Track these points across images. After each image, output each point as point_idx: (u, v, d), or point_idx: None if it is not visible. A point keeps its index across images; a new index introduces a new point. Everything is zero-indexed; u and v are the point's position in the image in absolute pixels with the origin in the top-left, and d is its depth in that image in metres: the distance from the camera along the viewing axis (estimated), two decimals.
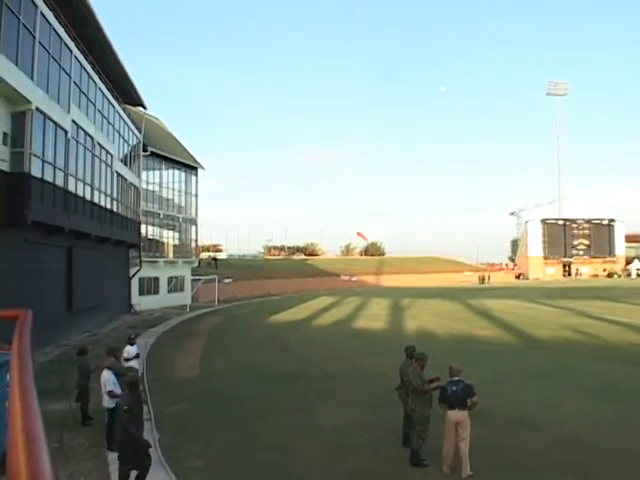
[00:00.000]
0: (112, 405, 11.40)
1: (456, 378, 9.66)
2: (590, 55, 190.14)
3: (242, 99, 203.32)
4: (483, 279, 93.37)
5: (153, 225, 46.79)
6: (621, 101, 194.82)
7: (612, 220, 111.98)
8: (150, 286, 45.79)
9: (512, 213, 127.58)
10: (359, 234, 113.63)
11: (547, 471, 9.59)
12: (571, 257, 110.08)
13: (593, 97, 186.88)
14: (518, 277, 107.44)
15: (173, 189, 49.87)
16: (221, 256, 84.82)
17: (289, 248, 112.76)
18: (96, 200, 30.55)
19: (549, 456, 10.28)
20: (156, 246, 47.31)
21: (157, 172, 47.62)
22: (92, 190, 29.80)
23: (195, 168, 51.94)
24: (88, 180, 29.16)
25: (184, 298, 49.04)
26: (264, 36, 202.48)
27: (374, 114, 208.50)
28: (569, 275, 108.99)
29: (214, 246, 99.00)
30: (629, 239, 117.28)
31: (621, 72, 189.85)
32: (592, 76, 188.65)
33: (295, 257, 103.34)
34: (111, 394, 11.34)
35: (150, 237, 46.35)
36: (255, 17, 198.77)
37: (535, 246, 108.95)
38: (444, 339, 26.70)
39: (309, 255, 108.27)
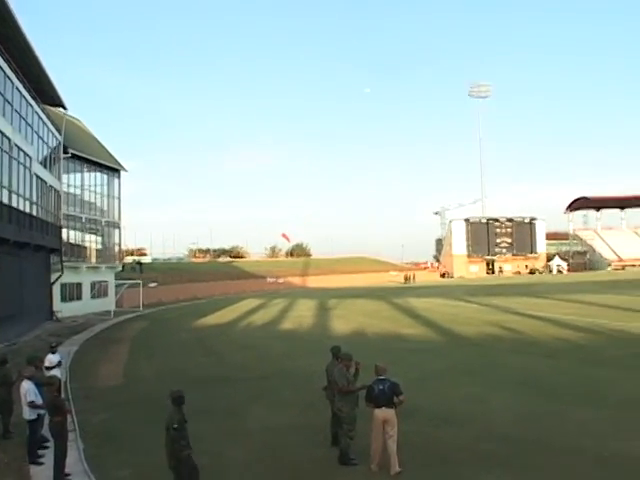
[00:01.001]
0: (33, 417, 11.02)
1: (382, 377, 9.74)
2: (512, 58, 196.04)
3: (168, 101, 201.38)
4: (408, 278, 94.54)
5: (75, 229, 45.67)
6: (539, 105, 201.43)
7: (533, 218, 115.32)
8: (72, 292, 44.63)
9: (436, 213, 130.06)
10: (283, 235, 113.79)
11: (474, 464, 9.77)
12: (494, 255, 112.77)
13: (514, 100, 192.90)
14: (443, 275, 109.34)
15: (95, 192, 48.80)
16: (145, 260, 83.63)
17: (214, 251, 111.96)
18: (14, 204, 29.60)
19: (476, 450, 10.49)
20: (78, 251, 46.20)
21: (78, 175, 46.50)
22: (10, 193, 28.87)
23: (118, 170, 50.97)
24: (5, 183, 28.26)
25: (108, 304, 47.99)
26: (194, 38, 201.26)
27: (300, 116, 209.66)
28: (492, 272, 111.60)
29: (138, 250, 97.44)
30: (549, 237, 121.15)
31: (541, 76, 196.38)
32: (514, 79, 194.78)
33: (221, 260, 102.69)
34: (32, 405, 10.97)
35: (72, 242, 45.21)
36: (183, 19, 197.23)
37: (459, 245, 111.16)
38: (371, 338, 26.98)
39: (235, 257, 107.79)
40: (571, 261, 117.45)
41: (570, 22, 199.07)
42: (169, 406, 8.59)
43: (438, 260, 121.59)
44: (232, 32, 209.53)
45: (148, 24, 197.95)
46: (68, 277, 42.68)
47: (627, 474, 9.22)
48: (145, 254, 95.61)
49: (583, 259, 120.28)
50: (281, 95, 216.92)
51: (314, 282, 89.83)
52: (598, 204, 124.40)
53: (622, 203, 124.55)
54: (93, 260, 48.07)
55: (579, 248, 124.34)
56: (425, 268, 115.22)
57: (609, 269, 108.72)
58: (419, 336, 26.94)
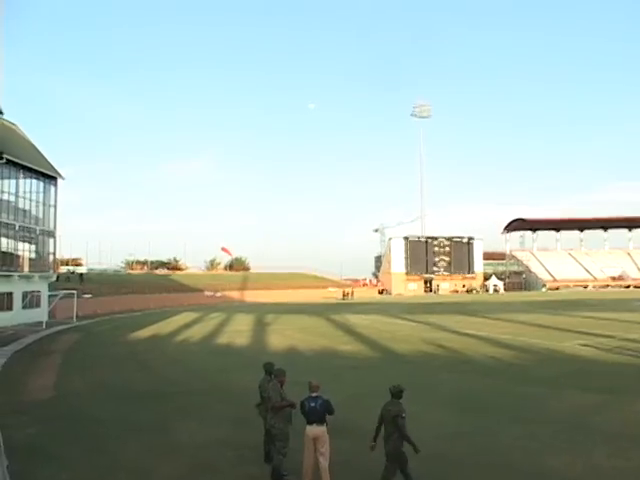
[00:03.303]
0: None
1: (315, 394, 9.77)
2: (454, 80, 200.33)
3: (105, 107, 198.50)
4: (346, 294, 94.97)
5: (7, 237, 44.59)
6: (479, 126, 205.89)
7: (471, 238, 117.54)
8: (2, 302, 43.49)
9: (376, 230, 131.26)
10: (224, 249, 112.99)
11: None
12: (432, 273, 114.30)
13: (454, 122, 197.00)
14: (381, 293, 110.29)
15: (30, 200, 47.75)
16: (81, 270, 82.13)
17: (152, 263, 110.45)
18: None
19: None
20: (10, 259, 45.05)
21: (13, 181, 45.43)
22: None
23: (55, 178, 50.00)
24: None
25: (40, 314, 46.86)
26: (134, 43, 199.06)
27: (242, 129, 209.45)
28: (430, 291, 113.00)
29: (73, 260, 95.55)
30: (487, 256, 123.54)
31: (480, 98, 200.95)
32: (454, 101, 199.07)
33: (158, 272, 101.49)
34: None
35: (4, 250, 44.11)
36: (120, 25, 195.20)
37: (398, 262, 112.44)
38: (307, 355, 27.01)
39: (172, 270, 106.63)
40: (507, 281, 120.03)
41: (509, 44, 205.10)
42: (388, 399, 9.74)
43: (377, 277, 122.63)
44: (177, 40, 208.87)
45: (83, 28, 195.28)
46: None
47: None
48: (81, 264, 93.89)
49: (519, 279, 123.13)
50: (224, 106, 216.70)
51: (252, 296, 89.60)
52: (534, 226, 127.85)
53: (557, 225, 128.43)
54: (26, 269, 46.94)
55: (515, 268, 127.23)
56: (364, 285, 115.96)
57: (544, 289, 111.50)
58: (356, 353, 27.07)
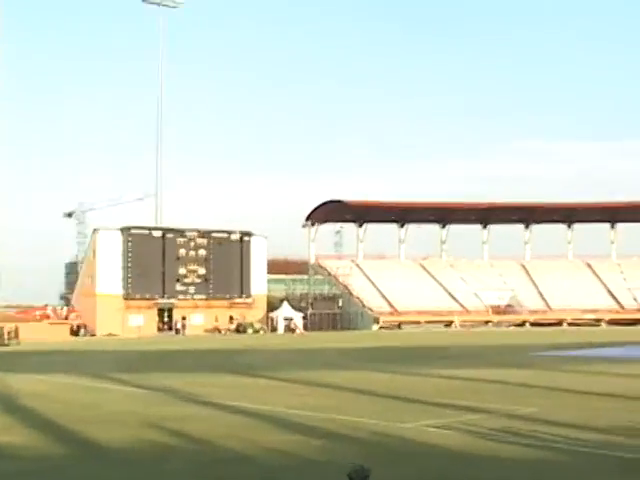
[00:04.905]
0: None
1: None
2: None
3: None
4: (6, 336, 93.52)
5: None
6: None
7: (247, 234, 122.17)
8: None
9: (69, 214, 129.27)
10: None
11: None
12: (174, 297, 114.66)
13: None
14: (76, 332, 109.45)
15: None
16: None
17: None
18: None
19: None
20: None
21: None
22: None
23: None
24: None
25: None
26: None
27: None
28: (170, 329, 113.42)
29: None
30: (275, 267, 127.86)
31: None
32: None
33: None
34: None
35: None
36: None
37: (110, 276, 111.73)
38: None
39: None
40: (311, 312, 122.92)
41: None
42: None
43: (68, 303, 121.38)
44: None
45: None
46: None
47: None
48: None
49: (332, 308, 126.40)
50: None
51: None
52: (361, 215, 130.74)
53: (402, 214, 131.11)
54: None
55: (325, 289, 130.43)
56: (43, 317, 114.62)
57: (376, 327, 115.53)
58: (23, 448, 26.15)
